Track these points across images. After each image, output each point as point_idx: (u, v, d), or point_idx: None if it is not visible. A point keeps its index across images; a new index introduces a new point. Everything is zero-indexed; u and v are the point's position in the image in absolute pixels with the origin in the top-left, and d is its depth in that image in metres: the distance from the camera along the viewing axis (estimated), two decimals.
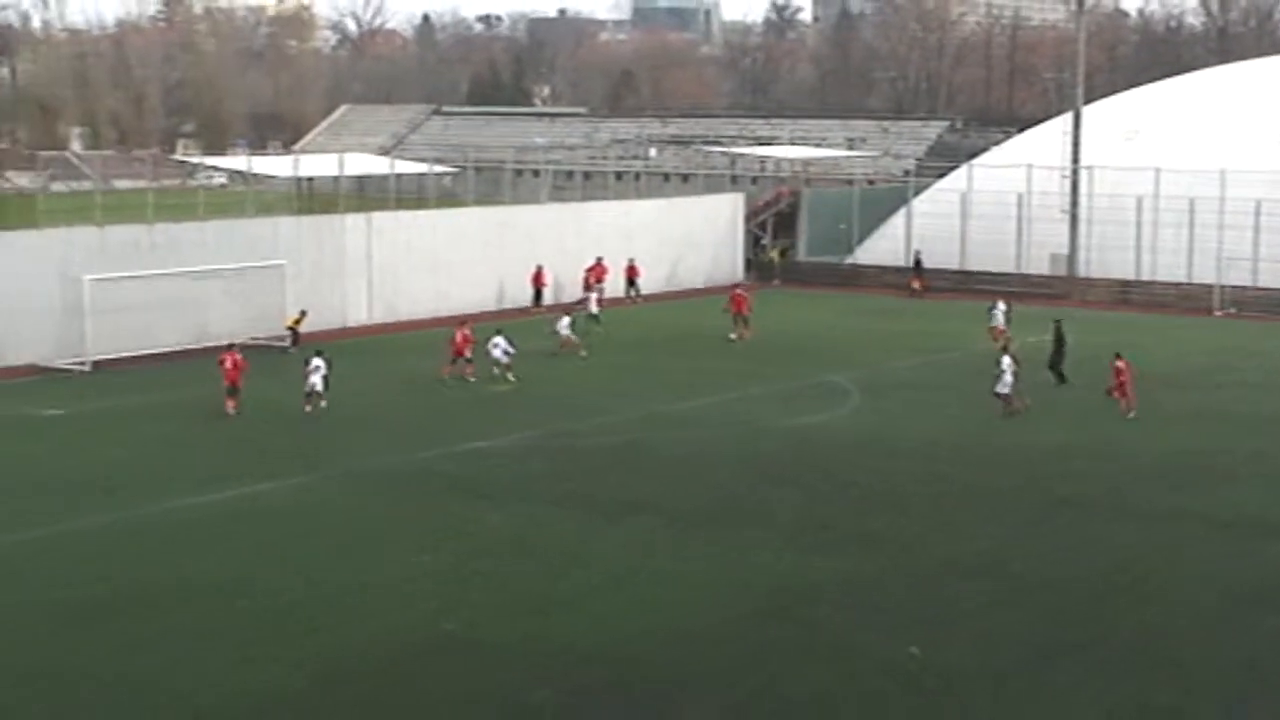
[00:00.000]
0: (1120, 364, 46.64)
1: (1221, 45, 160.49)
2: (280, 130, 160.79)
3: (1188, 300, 72.74)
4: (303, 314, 57.17)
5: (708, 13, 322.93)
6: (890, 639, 26.49)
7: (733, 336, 60.21)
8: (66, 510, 34.65)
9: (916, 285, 76.12)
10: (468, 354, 50.57)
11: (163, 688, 24.22)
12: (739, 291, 63.10)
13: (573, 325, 57.03)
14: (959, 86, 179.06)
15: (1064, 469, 39.80)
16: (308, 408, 45.74)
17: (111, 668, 25.06)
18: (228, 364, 45.44)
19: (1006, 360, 46.23)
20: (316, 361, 46.24)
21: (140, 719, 23.23)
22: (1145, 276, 75.99)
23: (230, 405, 44.99)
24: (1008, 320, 58.39)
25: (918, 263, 78.23)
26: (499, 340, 50.85)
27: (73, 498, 35.78)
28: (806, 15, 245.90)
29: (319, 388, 45.88)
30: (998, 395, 45.90)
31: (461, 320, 53.13)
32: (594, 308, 62.59)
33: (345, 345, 58.51)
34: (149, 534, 32.93)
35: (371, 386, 50.46)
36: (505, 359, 50.62)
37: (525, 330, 56.63)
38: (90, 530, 33.23)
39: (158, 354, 51.52)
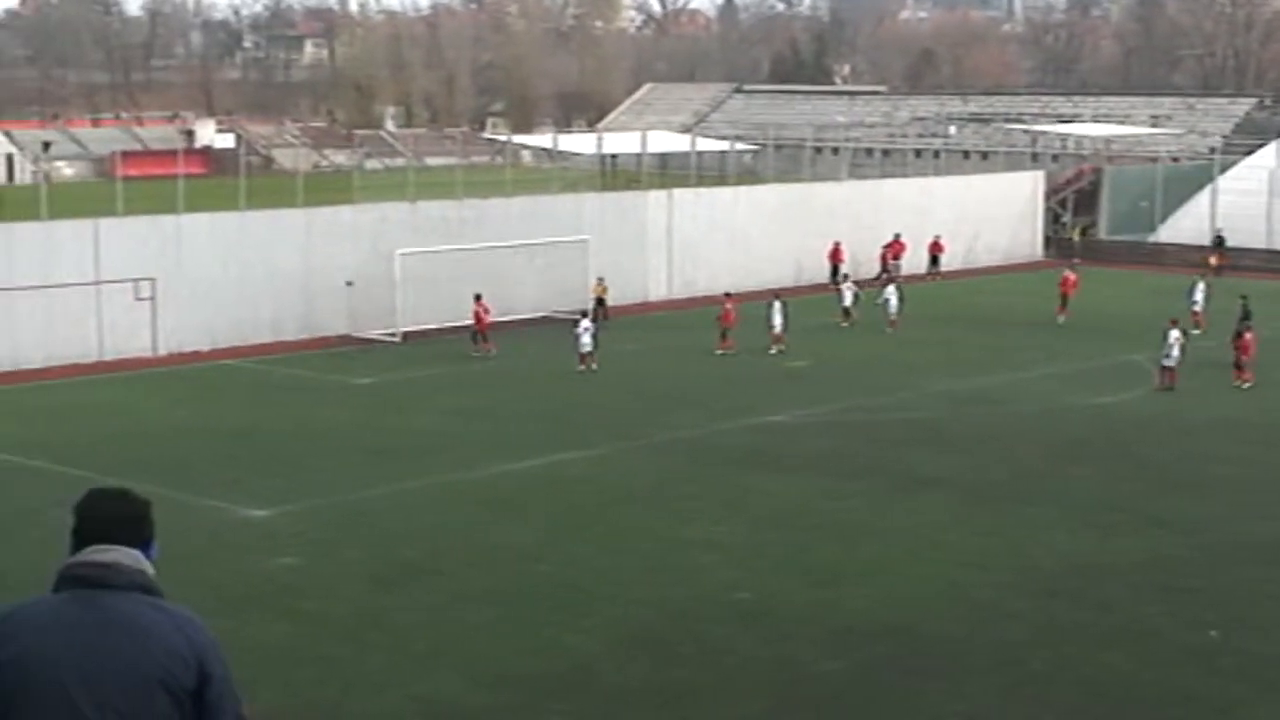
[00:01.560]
0: None
1: None
2: (585, 109, 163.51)
3: None
4: (600, 281, 58.49)
5: None
6: (1188, 623, 26.27)
7: (1061, 320, 59.15)
8: (377, 476, 36.07)
9: (1214, 261, 74.71)
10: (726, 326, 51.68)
11: (459, 648, 25.13)
12: (1069, 273, 61.87)
13: (901, 301, 57.64)
14: (1268, 63, 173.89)
15: None
16: (580, 367, 47.66)
17: (411, 628, 26.07)
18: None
19: (1175, 333, 45.89)
20: (585, 323, 48.22)
21: (436, 680, 24.08)
22: None
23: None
24: (1207, 300, 56.82)
25: (1219, 240, 76.80)
26: (776, 305, 51.86)
27: (382, 464, 37.23)
28: None
29: (589, 348, 47.73)
30: (1163, 368, 45.78)
31: (728, 294, 54.21)
32: (847, 299, 58.92)
33: (646, 319, 60.06)
34: (456, 500, 34.16)
35: (671, 359, 51.66)
36: (778, 330, 51.61)
37: (819, 306, 57.47)
38: (398, 494, 34.57)
39: (465, 326, 53.38)
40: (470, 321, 52.47)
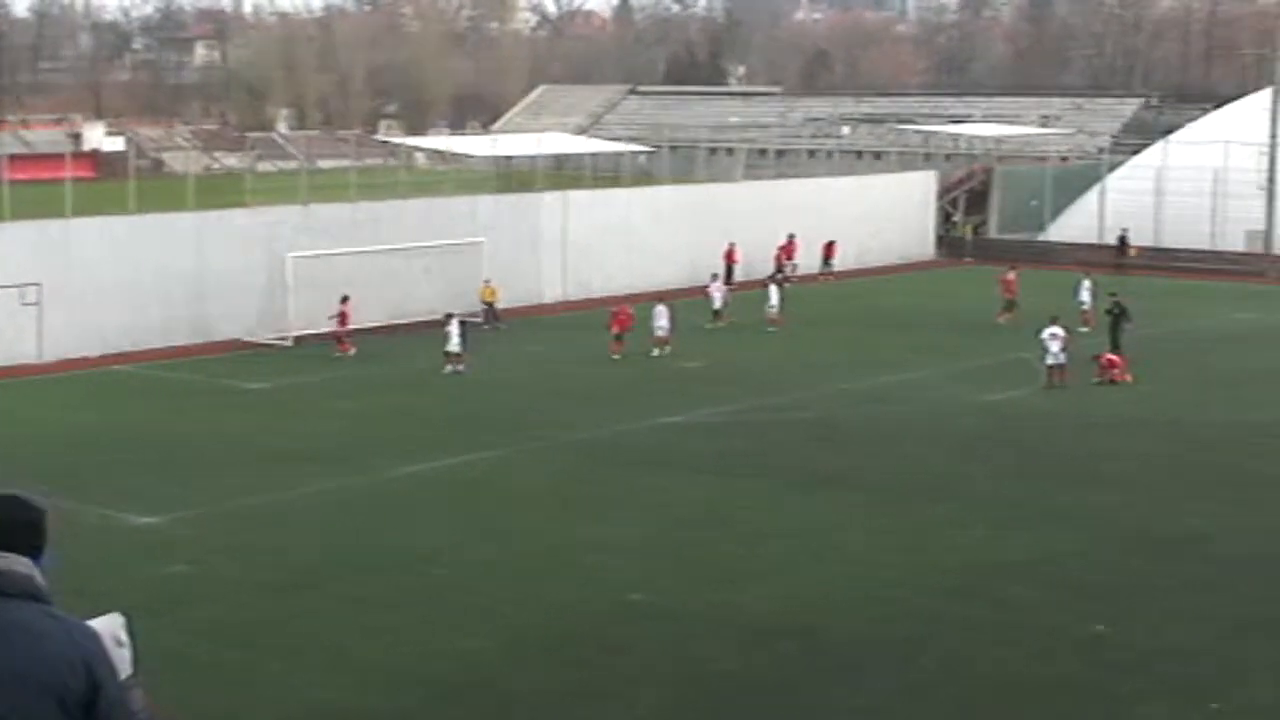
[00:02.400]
0: None
1: None
2: (480, 111, 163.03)
3: None
4: (487, 284, 58.24)
5: None
6: (1079, 618, 26.52)
7: (1000, 321, 58.61)
8: (271, 481, 35.79)
9: (1134, 252, 75.47)
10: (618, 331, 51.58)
11: (356, 653, 24.99)
12: (1009, 274, 60.98)
13: (781, 300, 57.90)
14: (1155, 63, 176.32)
15: (1264, 446, 39.49)
16: (448, 368, 47.68)
17: (309, 635, 25.94)
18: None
19: (1052, 330, 46.37)
20: (454, 323, 48.23)
21: (332, 684, 23.96)
22: None
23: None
24: (1094, 298, 56.84)
25: (1122, 240, 77.61)
26: (660, 310, 51.90)
27: (276, 469, 36.94)
28: None
29: (457, 349, 47.83)
30: (1049, 366, 46.12)
31: (624, 298, 54.29)
32: (717, 303, 58.56)
33: (541, 321, 60.02)
34: (351, 504, 33.95)
35: (568, 361, 51.67)
36: (662, 333, 51.64)
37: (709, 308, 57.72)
38: (294, 500, 34.34)
39: (358, 329, 53.01)
40: (334, 325, 52.17)
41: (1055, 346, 46.18)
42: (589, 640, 25.70)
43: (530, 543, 30.99)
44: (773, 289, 58.57)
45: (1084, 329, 52.87)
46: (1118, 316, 50.81)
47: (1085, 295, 57.29)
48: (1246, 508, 33.83)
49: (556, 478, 36.36)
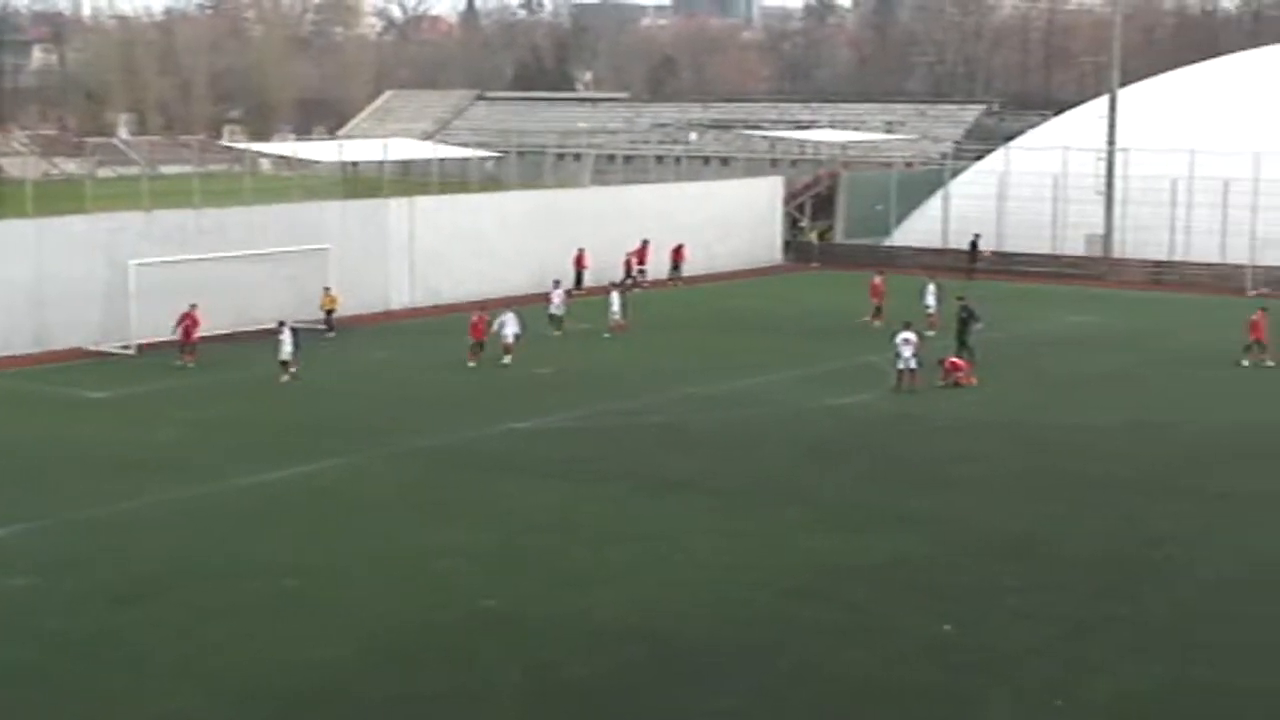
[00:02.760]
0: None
1: (1256, 28, 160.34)
2: (326, 116, 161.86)
3: (1221, 280, 73.17)
4: (327, 291, 57.64)
5: None
6: (928, 619, 26.90)
7: (868, 323, 58.77)
8: (114, 491, 35.28)
9: (988, 254, 76.35)
10: (476, 339, 51.35)
11: (204, 664, 24.73)
12: (876, 282, 60.96)
13: (623, 306, 57.97)
14: (996, 70, 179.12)
15: (1105, 447, 40.29)
16: (284, 377, 47.28)
17: (154, 646, 25.61)
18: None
19: (905, 335, 47.03)
20: (286, 332, 47.90)
21: (180, 694, 23.69)
22: (1179, 257, 76.50)
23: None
24: (939, 301, 57.71)
25: (973, 245, 78.58)
26: (508, 318, 51.79)
27: (119, 479, 36.41)
28: (846, 0, 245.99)
29: (289, 356, 47.62)
30: (899, 370, 46.65)
31: (482, 306, 54.04)
32: (556, 308, 57.99)
33: (388, 328, 59.70)
34: (198, 514, 33.56)
35: (416, 368, 51.41)
36: (511, 340, 51.51)
37: (569, 313, 57.72)
38: (138, 510, 33.88)
39: (203, 337, 52.22)
40: (178, 333, 51.52)
41: (907, 351, 46.72)
42: (441, 647, 25.60)
43: (381, 550, 30.79)
44: (614, 295, 58.64)
45: (930, 333, 53.51)
46: (965, 320, 51.57)
47: (931, 299, 57.97)
48: (1086, 509, 34.45)
49: (406, 485, 36.17)
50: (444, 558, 30.29)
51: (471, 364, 50.54)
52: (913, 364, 46.69)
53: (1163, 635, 26.36)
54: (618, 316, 57.58)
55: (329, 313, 57.27)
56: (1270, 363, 51.26)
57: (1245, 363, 51.53)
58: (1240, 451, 40.13)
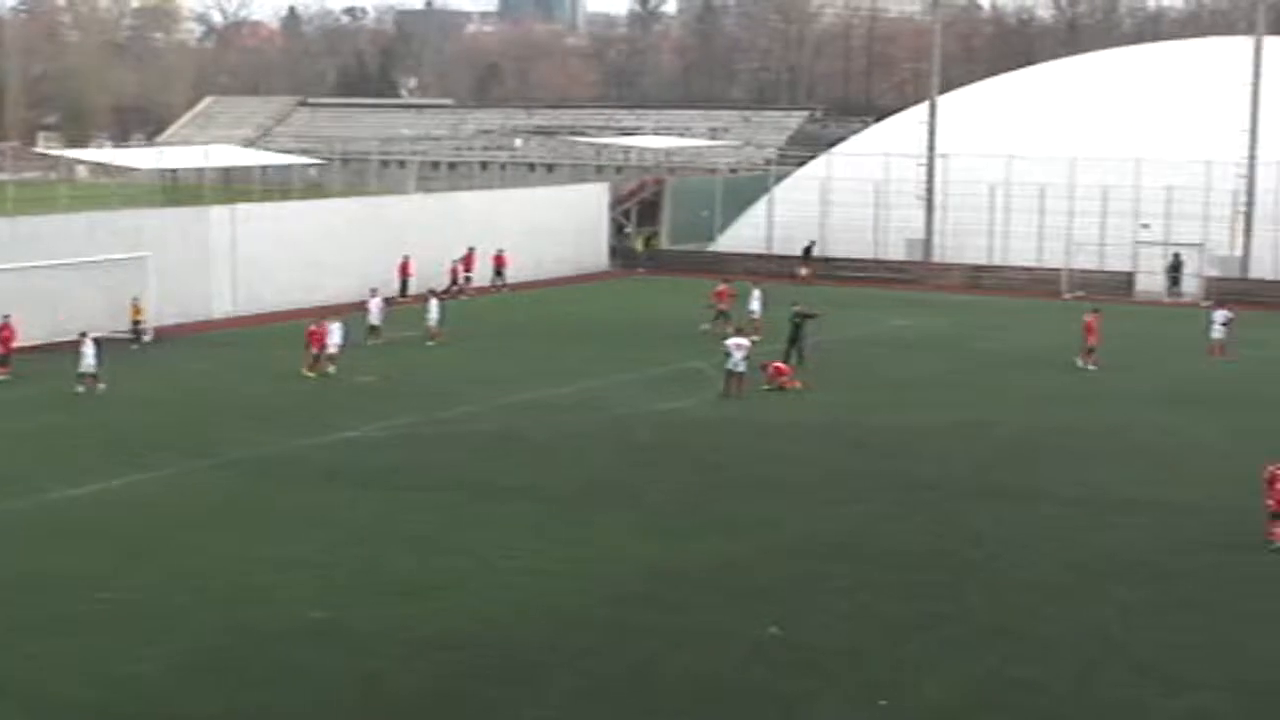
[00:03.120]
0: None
1: (1070, 37, 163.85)
2: (144, 122, 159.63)
3: (1038, 284, 74.72)
4: (134, 302, 56.63)
5: (573, 4, 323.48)
6: (756, 621, 27.05)
7: (709, 326, 58.40)
8: None
9: (804, 272, 76.96)
10: (317, 349, 50.80)
11: (17, 681, 24.23)
12: (722, 288, 60.36)
13: (441, 313, 57.56)
14: (819, 77, 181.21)
15: (928, 449, 40.85)
16: (79, 388, 46.47)
17: None
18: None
19: (735, 340, 47.52)
20: (88, 343, 47.12)
21: None
22: (997, 261, 77.97)
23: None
24: (764, 307, 58.20)
25: (807, 250, 79.29)
26: (334, 327, 51.27)
27: None
28: (670, 7, 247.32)
29: (91, 369, 46.78)
30: (728, 374, 46.88)
31: (321, 315, 53.34)
32: (374, 317, 57.11)
33: (211, 337, 58.86)
34: (10, 529, 32.80)
35: (239, 378, 50.72)
36: (335, 349, 50.99)
37: (392, 321, 57.31)
38: None
39: (18, 348, 51.08)
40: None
41: (738, 355, 47.00)
42: (267, 660, 25.25)
43: (203, 563, 30.32)
44: (433, 302, 58.00)
45: (755, 337, 53.86)
46: (799, 325, 52.08)
47: (755, 305, 58.36)
48: (910, 510, 34.91)
49: (229, 496, 35.64)
50: (268, 570, 29.89)
51: (310, 374, 49.86)
52: (741, 368, 46.96)
53: (985, 633, 26.75)
54: (434, 324, 57.05)
55: (136, 323, 56.29)
56: (1092, 367, 52.22)
57: (1080, 363, 52.47)
58: (1058, 451, 40.91)
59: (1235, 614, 27.91)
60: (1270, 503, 31.88)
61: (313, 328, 50.76)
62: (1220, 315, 55.67)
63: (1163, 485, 37.32)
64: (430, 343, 56.24)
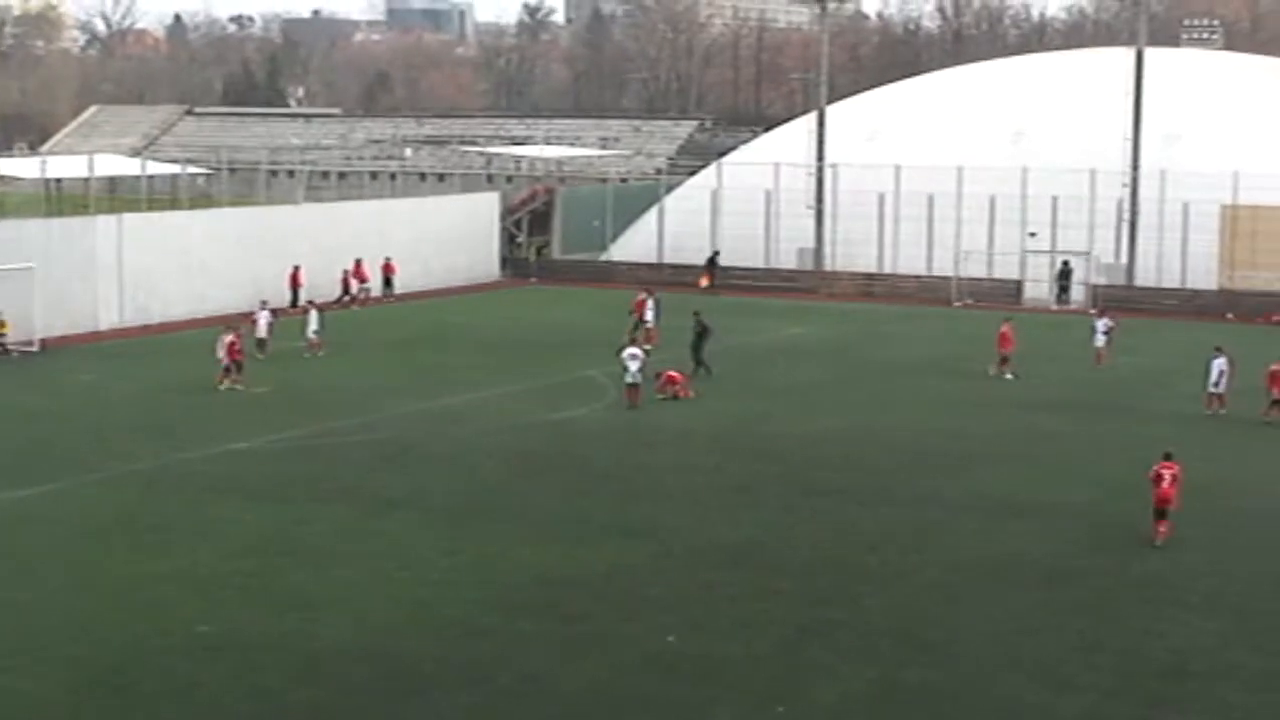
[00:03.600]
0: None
1: (956, 47, 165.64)
2: (27, 131, 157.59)
3: (928, 292, 75.43)
4: None
5: (462, 14, 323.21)
6: (651, 629, 27.08)
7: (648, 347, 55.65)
8: None
9: (704, 282, 77.07)
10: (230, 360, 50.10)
11: None
12: (641, 296, 59.71)
13: (321, 324, 56.96)
14: (709, 87, 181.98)
15: (821, 456, 41.05)
16: None
17: None
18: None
19: (632, 350, 47.54)
20: None
21: None
22: (887, 270, 78.60)
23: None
24: (657, 317, 58.25)
25: (712, 260, 79.38)
26: (227, 339, 50.72)
27: None
28: (560, 17, 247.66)
29: None
30: (628, 385, 46.81)
31: (229, 325, 52.58)
32: (262, 331, 55.73)
33: (99, 349, 58.18)
34: None
35: (127, 389, 50.13)
36: (264, 334, 50.50)
37: (283, 331, 56.86)
38: None
39: None
40: None
41: (634, 366, 46.97)
42: (156, 676, 24.93)
43: (92, 578, 29.95)
44: (313, 314, 57.25)
45: (648, 346, 53.97)
46: (700, 334, 52.26)
47: (649, 314, 58.43)
48: (805, 516, 35.07)
49: (119, 510, 35.17)
50: (160, 584, 29.56)
51: (222, 386, 49.19)
52: (638, 378, 47.01)
53: (881, 638, 26.92)
54: (314, 335, 56.33)
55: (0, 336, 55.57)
56: (1009, 376, 52.60)
57: (993, 371, 52.83)
58: (949, 457, 41.27)
59: (1125, 615, 28.28)
60: (1157, 500, 32.41)
61: (229, 339, 49.89)
62: (1102, 324, 56.35)
63: (1050, 489, 37.76)
64: (308, 354, 55.53)
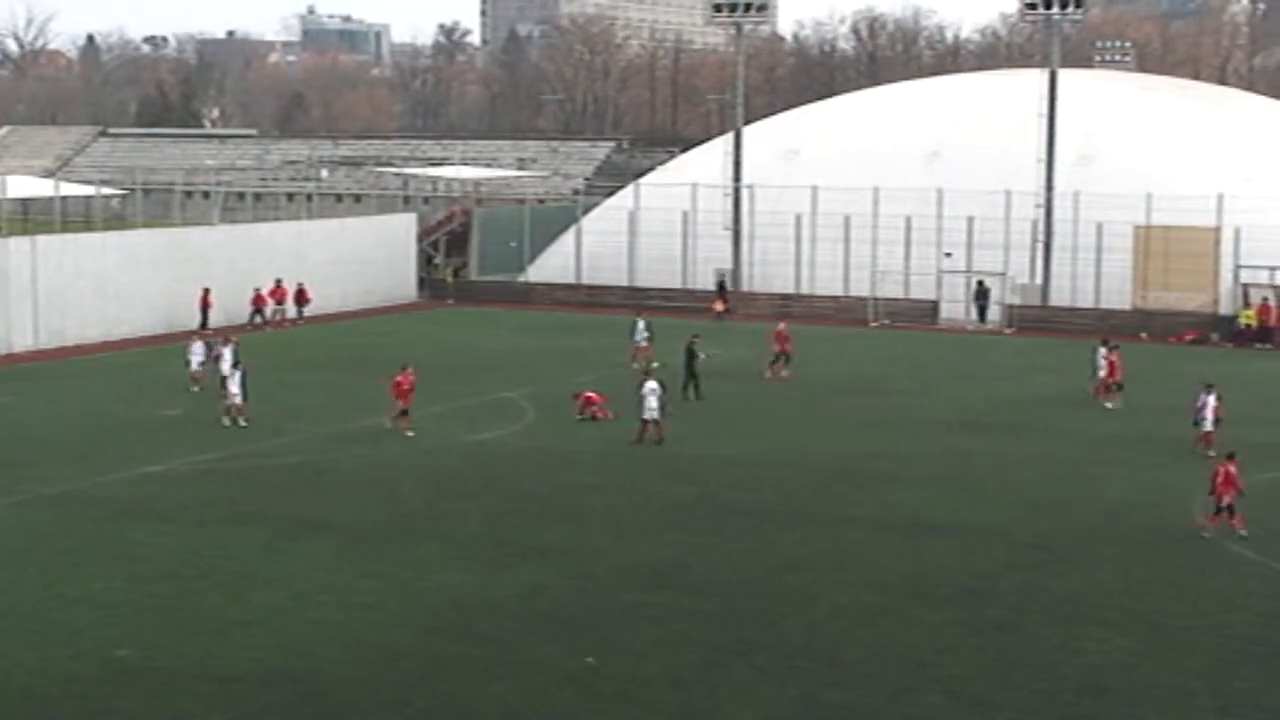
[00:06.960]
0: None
1: (872, 69, 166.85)
2: None
3: (845, 312, 75.81)
4: None
5: (378, 35, 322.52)
6: (571, 651, 27.06)
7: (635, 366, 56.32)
8: None
9: (720, 308, 76.99)
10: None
11: None
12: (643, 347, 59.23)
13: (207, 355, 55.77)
14: (625, 108, 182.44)
15: (740, 477, 41.16)
16: None
17: None
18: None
19: (651, 385, 45.86)
20: None
21: None
22: (805, 290, 78.91)
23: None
24: (649, 339, 58.99)
25: (721, 285, 79.12)
26: (196, 348, 50.27)
27: None
28: (475, 38, 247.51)
29: None
30: (644, 421, 45.38)
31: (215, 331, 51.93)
32: (195, 365, 54.07)
33: (12, 371, 57.58)
34: None
35: (41, 412, 49.67)
36: (198, 369, 49.95)
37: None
38: None
39: None
40: None
41: (653, 401, 45.39)
42: (71, 701, 24.68)
43: (6, 603, 29.60)
44: (197, 344, 56.22)
45: (635, 365, 53.99)
46: (692, 356, 52.39)
47: (639, 336, 59.08)
48: (721, 536, 35.11)
49: (32, 534, 34.80)
50: (74, 608, 29.27)
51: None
52: (657, 415, 45.47)
53: (800, 658, 26.97)
54: (199, 367, 54.76)
55: None
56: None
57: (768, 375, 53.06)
58: (865, 477, 41.45)
59: (1042, 633, 28.47)
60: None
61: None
62: (1102, 353, 56.01)
63: (966, 509, 37.98)
64: (194, 388, 53.20)
